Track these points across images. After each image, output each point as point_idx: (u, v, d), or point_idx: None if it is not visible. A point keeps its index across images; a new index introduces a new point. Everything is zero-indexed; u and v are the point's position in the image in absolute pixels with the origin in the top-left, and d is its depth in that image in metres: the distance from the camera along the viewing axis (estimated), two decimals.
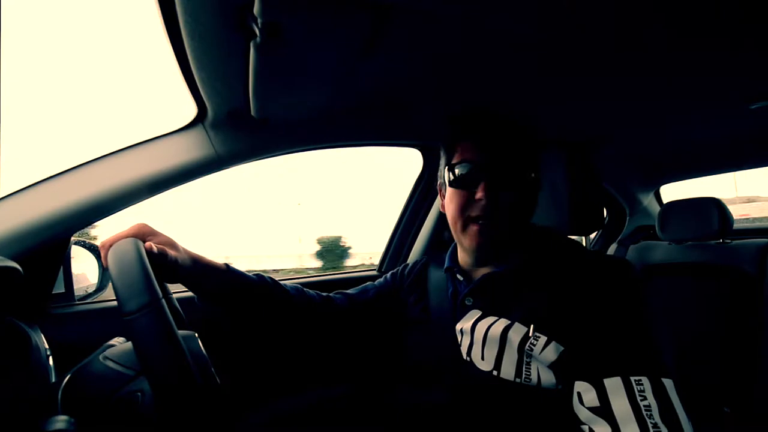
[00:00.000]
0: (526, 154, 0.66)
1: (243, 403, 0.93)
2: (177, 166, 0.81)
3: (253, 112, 0.82)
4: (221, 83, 0.72)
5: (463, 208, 0.66)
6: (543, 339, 0.58)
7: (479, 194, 0.63)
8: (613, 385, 0.52)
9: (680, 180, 1.80)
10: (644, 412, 0.49)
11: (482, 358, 0.63)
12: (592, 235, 1.92)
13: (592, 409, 0.52)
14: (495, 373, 0.62)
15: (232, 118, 0.84)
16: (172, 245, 0.65)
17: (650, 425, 0.48)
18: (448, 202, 0.69)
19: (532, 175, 0.67)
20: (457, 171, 0.66)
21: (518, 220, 0.66)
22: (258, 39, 0.58)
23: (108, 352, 0.58)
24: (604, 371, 0.53)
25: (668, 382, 0.51)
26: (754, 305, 1.10)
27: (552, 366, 0.58)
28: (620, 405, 0.51)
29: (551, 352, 0.58)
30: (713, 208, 1.23)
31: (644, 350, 0.54)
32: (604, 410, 0.51)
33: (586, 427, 0.53)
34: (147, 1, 0.56)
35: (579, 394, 0.54)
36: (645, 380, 0.51)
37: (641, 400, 0.50)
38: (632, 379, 0.51)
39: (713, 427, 1.05)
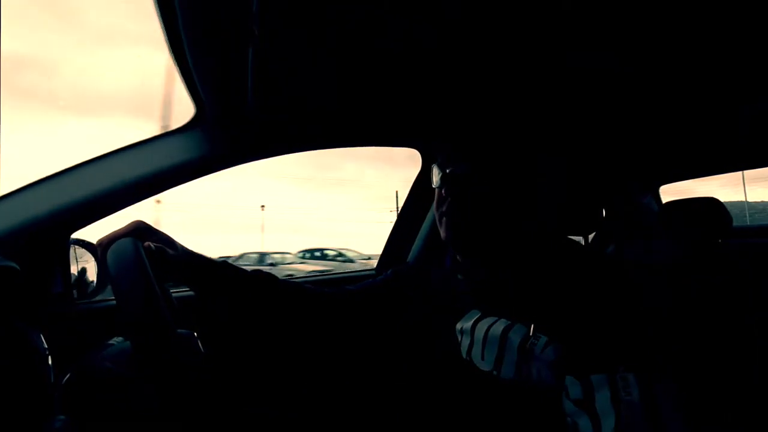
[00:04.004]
0: (498, 157, 0.69)
1: (242, 398, 0.93)
2: (176, 165, 0.81)
3: (251, 112, 0.82)
4: (220, 83, 0.72)
5: (438, 205, 0.71)
6: (543, 339, 0.59)
7: (443, 191, 0.69)
8: (599, 381, 0.53)
9: (679, 180, 1.80)
10: (623, 407, 0.51)
11: (482, 358, 0.63)
12: (591, 236, 1.92)
13: (576, 402, 0.54)
14: (495, 373, 0.62)
15: (230, 118, 0.84)
16: (170, 243, 0.65)
17: (624, 418, 0.50)
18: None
19: (507, 177, 0.69)
20: (435, 171, 0.71)
21: (486, 217, 0.67)
22: (257, 39, 0.58)
23: (107, 353, 0.58)
24: (592, 368, 0.54)
25: (657, 380, 0.52)
26: (751, 305, 1.10)
27: (551, 366, 0.58)
28: (602, 399, 0.52)
29: (551, 352, 0.58)
30: (712, 208, 1.23)
31: (635, 348, 0.56)
32: (587, 403, 0.53)
33: (569, 419, 0.54)
34: (146, 2, 0.56)
35: (566, 387, 0.56)
36: (631, 377, 0.52)
37: (625, 396, 0.51)
38: (618, 375, 0.53)
39: (712, 427, 1.05)
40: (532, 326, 0.60)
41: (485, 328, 0.64)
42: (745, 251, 1.20)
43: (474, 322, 0.66)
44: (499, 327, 0.63)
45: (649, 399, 0.51)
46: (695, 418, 0.53)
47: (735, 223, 1.26)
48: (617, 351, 0.55)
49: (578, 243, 0.75)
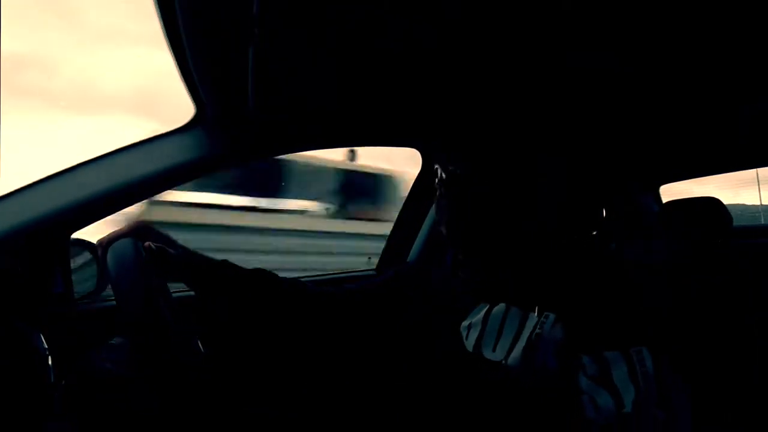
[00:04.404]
0: (498, 157, 0.68)
1: (242, 398, 0.93)
2: (176, 166, 0.81)
3: (251, 112, 0.82)
4: (220, 83, 0.72)
5: (439, 204, 0.71)
6: (552, 317, 0.60)
7: (443, 190, 0.69)
8: (614, 357, 0.54)
9: (679, 180, 1.80)
10: (641, 378, 0.52)
11: (494, 349, 0.64)
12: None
13: (592, 378, 0.55)
14: (503, 362, 0.62)
15: (230, 118, 0.84)
16: (171, 243, 0.66)
17: (643, 389, 0.52)
18: None
19: (507, 177, 0.68)
20: (436, 171, 0.71)
21: (486, 217, 0.67)
22: (257, 39, 0.58)
23: (107, 353, 0.58)
24: (606, 345, 0.56)
25: (666, 358, 0.55)
26: (751, 305, 1.10)
27: (557, 347, 0.59)
28: (620, 374, 0.53)
29: (559, 330, 0.59)
30: (712, 208, 1.23)
31: (645, 327, 0.58)
32: (605, 379, 0.54)
33: (585, 397, 0.55)
34: (146, 2, 0.56)
35: (582, 365, 0.56)
36: (644, 350, 0.54)
37: (640, 368, 0.53)
38: (632, 350, 0.54)
39: (712, 427, 1.05)
40: (539, 307, 0.61)
41: (499, 318, 0.65)
42: (745, 251, 1.20)
43: (485, 313, 0.67)
44: (509, 315, 0.64)
45: (660, 372, 0.53)
46: (700, 415, 0.55)
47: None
48: (623, 329, 0.57)
49: (580, 242, 0.75)
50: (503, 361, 0.62)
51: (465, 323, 0.69)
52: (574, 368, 0.58)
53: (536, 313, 0.61)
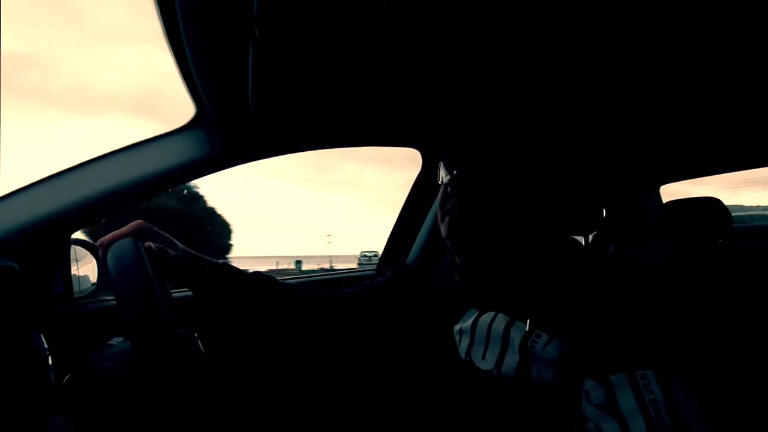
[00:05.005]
0: (498, 157, 0.69)
1: (242, 398, 0.93)
2: (176, 166, 0.81)
3: (251, 112, 0.82)
4: (220, 83, 0.73)
5: (443, 202, 0.70)
6: (545, 337, 0.59)
7: (449, 189, 0.68)
8: (619, 381, 0.53)
9: (680, 180, 1.80)
10: (650, 407, 0.50)
11: (483, 358, 0.63)
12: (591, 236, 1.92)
13: (599, 406, 0.53)
14: (495, 372, 0.62)
15: (230, 118, 0.85)
16: (171, 244, 0.66)
17: (655, 419, 0.49)
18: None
19: (510, 177, 0.68)
20: (442, 170, 0.71)
21: (486, 217, 0.67)
22: (257, 39, 0.58)
23: (107, 353, 0.59)
24: (610, 368, 0.54)
25: (676, 377, 0.52)
26: (751, 305, 1.10)
27: (553, 364, 0.58)
28: (626, 400, 0.51)
29: (554, 350, 0.58)
30: (713, 208, 1.23)
31: (649, 346, 0.55)
32: (611, 406, 0.52)
33: (591, 425, 0.53)
34: (146, 2, 0.56)
35: (587, 392, 0.55)
36: (650, 374, 0.52)
37: (647, 394, 0.51)
38: (637, 374, 0.52)
39: (712, 427, 1.05)
40: (533, 324, 0.60)
41: (486, 326, 0.64)
42: (745, 251, 1.20)
43: (474, 320, 0.66)
44: (500, 325, 0.63)
45: (670, 396, 0.51)
46: (709, 415, 0.53)
47: None
48: (626, 349, 0.55)
49: (579, 242, 0.75)
50: (494, 371, 0.62)
51: (457, 327, 0.69)
52: (576, 392, 0.56)
53: (527, 327, 0.60)
